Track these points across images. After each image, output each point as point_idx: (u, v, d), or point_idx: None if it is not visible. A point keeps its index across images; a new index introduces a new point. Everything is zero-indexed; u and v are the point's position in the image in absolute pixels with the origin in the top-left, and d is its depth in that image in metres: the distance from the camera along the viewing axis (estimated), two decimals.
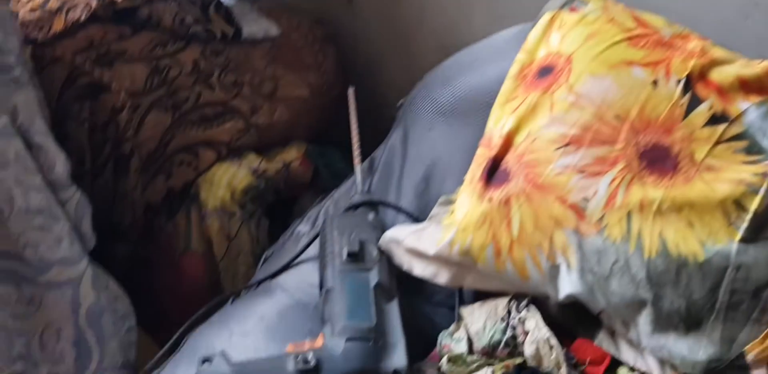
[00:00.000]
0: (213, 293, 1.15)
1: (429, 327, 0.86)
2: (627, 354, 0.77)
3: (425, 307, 0.89)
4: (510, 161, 0.82)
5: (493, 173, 0.82)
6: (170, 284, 1.17)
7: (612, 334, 0.78)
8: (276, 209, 1.25)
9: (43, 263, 0.93)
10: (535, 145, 0.81)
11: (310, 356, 0.69)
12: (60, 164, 0.96)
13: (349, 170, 1.12)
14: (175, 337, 0.80)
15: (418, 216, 0.93)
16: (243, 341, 0.76)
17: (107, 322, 0.97)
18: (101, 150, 1.08)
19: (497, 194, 0.80)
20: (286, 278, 0.89)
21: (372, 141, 1.08)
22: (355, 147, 1.03)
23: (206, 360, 0.69)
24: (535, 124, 0.82)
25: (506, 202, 0.79)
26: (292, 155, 1.25)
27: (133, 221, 1.13)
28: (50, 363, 0.93)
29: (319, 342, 0.72)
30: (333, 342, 0.71)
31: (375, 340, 0.72)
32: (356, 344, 0.71)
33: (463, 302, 0.86)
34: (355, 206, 0.93)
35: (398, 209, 0.95)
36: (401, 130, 1.05)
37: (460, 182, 0.89)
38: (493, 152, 0.83)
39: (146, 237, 1.17)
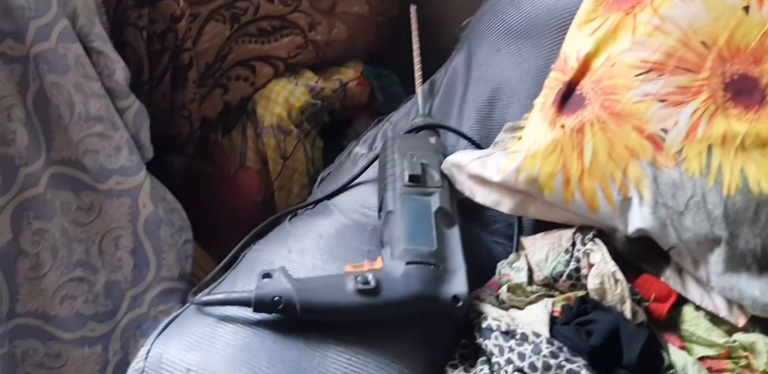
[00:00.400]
0: (267, 211, 1.15)
1: (485, 255, 0.85)
2: (694, 292, 0.75)
3: (482, 235, 0.88)
4: (586, 86, 0.78)
5: (566, 98, 0.79)
6: (225, 199, 1.17)
7: (680, 272, 0.76)
8: (330, 131, 1.23)
9: (102, 171, 0.93)
10: (614, 70, 0.77)
11: (370, 277, 0.68)
12: (119, 71, 0.95)
13: (405, 94, 1.09)
14: (233, 251, 0.80)
15: (480, 142, 0.90)
16: (301, 258, 0.76)
17: (165, 233, 0.98)
18: (159, 60, 1.06)
19: (570, 120, 0.77)
20: (343, 199, 0.88)
21: (431, 64, 1.04)
22: (417, 68, 0.99)
23: (266, 275, 0.69)
24: (615, 47, 0.78)
25: (579, 129, 0.76)
26: (349, 75, 1.22)
27: (190, 135, 1.12)
28: (109, 270, 0.94)
29: (378, 263, 0.71)
30: (393, 264, 0.70)
31: (435, 265, 0.70)
32: (416, 267, 0.70)
33: (522, 232, 0.84)
34: (416, 129, 0.90)
35: (460, 134, 0.92)
36: (465, 52, 1.01)
37: (526, 107, 0.86)
38: (567, 77, 0.80)
39: (202, 151, 1.17)
